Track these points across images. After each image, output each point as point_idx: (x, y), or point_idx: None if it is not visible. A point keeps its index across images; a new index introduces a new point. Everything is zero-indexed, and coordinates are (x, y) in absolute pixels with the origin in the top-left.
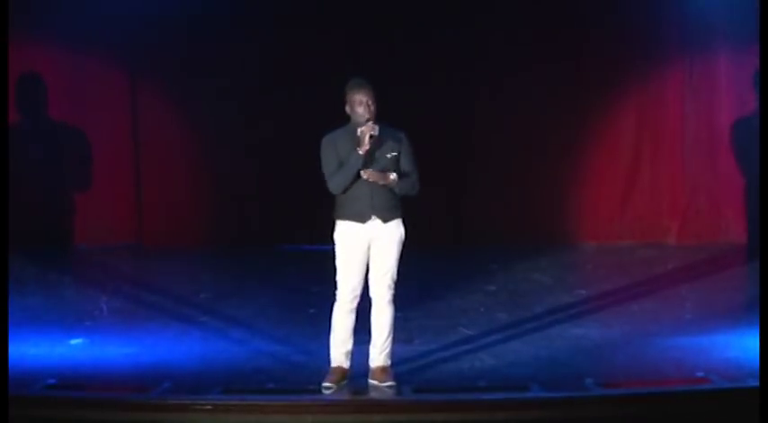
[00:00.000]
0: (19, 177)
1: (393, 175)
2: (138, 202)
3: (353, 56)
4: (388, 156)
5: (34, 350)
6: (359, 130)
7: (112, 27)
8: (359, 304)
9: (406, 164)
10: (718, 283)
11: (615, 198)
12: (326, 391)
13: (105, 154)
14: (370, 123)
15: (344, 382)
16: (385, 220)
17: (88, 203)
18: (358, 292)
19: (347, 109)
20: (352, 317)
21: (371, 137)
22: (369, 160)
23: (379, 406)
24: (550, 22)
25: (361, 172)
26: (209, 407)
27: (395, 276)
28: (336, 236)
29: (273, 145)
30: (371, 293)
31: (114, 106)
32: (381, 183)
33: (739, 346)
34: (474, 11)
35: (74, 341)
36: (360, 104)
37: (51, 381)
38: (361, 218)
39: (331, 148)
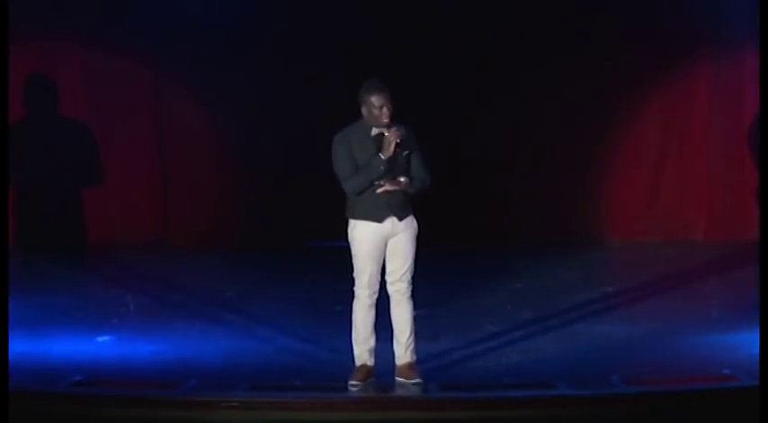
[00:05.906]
0: (47, 177)
1: (403, 179)
2: (165, 201)
3: (380, 55)
4: (403, 155)
5: (61, 347)
6: (385, 135)
7: (138, 27)
8: (378, 302)
9: (416, 160)
10: (745, 280)
11: (642, 195)
12: (353, 389)
13: (132, 153)
14: (395, 129)
15: (371, 379)
16: (401, 218)
17: (115, 202)
18: (376, 287)
19: (363, 110)
20: (373, 312)
21: (398, 144)
22: (388, 162)
23: (405, 403)
24: (576, 21)
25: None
26: (235, 404)
27: (413, 271)
28: (352, 234)
29: (299, 142)
30: (390, 290)
31: (140, 106)
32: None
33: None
34: (498, 10)
35: (101, 338)
36: (378, 108)
37: (78, 378)
38: (379, 218)
39: (344, 147)
